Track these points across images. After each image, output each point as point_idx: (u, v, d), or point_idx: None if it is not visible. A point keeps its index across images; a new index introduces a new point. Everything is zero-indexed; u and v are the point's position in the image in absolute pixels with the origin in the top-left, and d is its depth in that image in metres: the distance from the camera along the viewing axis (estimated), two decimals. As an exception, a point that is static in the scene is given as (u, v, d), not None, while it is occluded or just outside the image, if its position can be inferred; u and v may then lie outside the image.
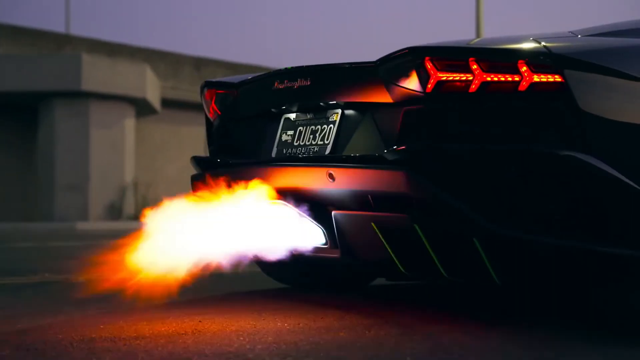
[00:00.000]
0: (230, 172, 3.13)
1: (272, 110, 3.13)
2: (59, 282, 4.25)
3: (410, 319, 2.98)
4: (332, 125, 2.87)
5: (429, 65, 2.51)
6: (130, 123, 18.76)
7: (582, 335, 2.58)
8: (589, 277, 2.45)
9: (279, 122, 3.11)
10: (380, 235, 2.60)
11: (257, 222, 2.96)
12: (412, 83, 2.56)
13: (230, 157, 3.29)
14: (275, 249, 2.97)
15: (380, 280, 4.12)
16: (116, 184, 18.05)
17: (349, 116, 2.84)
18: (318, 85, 2.93)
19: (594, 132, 2.36)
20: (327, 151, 2.83)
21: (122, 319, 2.95)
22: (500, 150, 2.41)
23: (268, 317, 2.99)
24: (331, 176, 2.67)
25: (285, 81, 3.04)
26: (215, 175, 3.13)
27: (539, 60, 2.39)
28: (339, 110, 2.87)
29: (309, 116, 3.00)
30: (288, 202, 2.83)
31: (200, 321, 2.89)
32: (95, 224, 16.38)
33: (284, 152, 3.03)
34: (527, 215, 2.38)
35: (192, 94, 21.72)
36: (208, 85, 3.49)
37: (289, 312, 3.14)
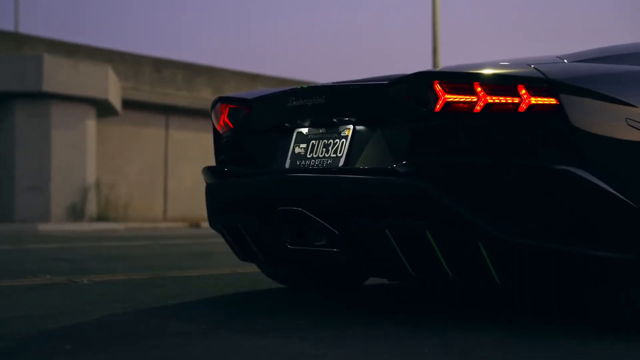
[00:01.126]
0: (247, 181, 3.40)
1: (286, 125, 3.38)
2: (66, 284, 4.43)
3: (414, 315, 3.28)
4: (344, 140, 3.14)
5: (437, 88, 2.80)
6: (91, 124, 18.77)
7: (577, 329, 2.90)
8: (581, 278, 2.76)
9: (292, 136, 3.36)
10: (392, 241, 2.87)
11: (277, 227, 3.23)
12: (422, 103, 2.85)
13: (242, 167, 3.53)
14: (292, 252, 3.24)
15: (371, 281, 4.43)
16: (78, 185, 18.05)
17: (360, 131, 3.11)
18: (331, 102, 3.20)
19: (585, 149, 2.66)
20: (341, 163, 3.10)
21: (149, 317, 3.17)
22: (503, 163, 2.70)
23: (282, 316, 3.25)
24: (348, 185, 2.95)
25: (300, 99, 3.30)
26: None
27: (537, 84, 2.69)
28: (351, 126, 3.14)
29: (321, 131, 3.26)
30: (304, 209, 3.08)
31: (222, 320, 3.13)
32: (58, 225, 16.37)
33: (298, 163, 3.29)
34: (527, 222, 2.68)
35: (153, 95, 21.79)
36: (222, 100, 3.73)
37: (300, 310, 3.40)
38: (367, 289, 4.26)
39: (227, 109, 3.69)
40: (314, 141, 3.28)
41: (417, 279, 3.06)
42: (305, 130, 3.34)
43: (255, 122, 3.55)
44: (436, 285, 4.24)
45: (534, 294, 3.76)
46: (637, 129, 2.75)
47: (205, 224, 19.16)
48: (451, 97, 2.78)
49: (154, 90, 21.93)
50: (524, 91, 2.69)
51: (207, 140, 21.92)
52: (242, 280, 4.72)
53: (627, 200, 2.65)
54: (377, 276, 3.60)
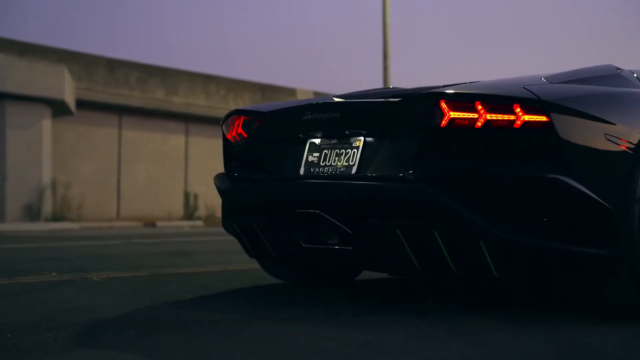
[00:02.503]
0: (264, 186, 3.77)
1: (299, 135, 3.75)
2: (79, 281, 4.73)
3: (418, 306, 3.70)
4: (355, 150, 3.53)
5: (443, 106, 3.21)
6: (47, 124, 18.80)
7: (565, 315, 3.36)
8: (567, 271, 3.21)
9: (305, 146, 3.74)
10: (403, 240, 3.28)
11: (293, 227, 3.60)
12: (429, 119, 3.25)
13: (257, 173, 3.90)
14: (306, 250, 3.62)
15: (361, 276, 4.83)
16: (34, 184, 18.07)
17: (370, 143, 3.50)
18: (343, 116, 3.58)
19: (571, 159, 3.10)
20: (354, 171, 3.49)
21: (180, 308, 3.52)
22: (501, 172, 3.13)
23: (300, 307, 3.63)
24: (363, 190, 3.35)
25: (313, 113, 3.68)
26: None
27: (530, 104, 3.12)
28: (362, 138, 3.53)
29: (333, 141, 3.65)
30: (321, 211, 3.46)
31: (248, 311, 3.49)
32: (14, 225, 16.40)
33: (312, 170, 3.66)
34: (522, 223, 3.11)
35: (106, 95, 21.84)
36: (237, 112, 4.08)
37: (314, 302, 3.78)
38: (365, 284, 4.66)
39: (242, 120, 4.04)
40: (326, 150, 3.66)
41: (423, 274, 3.47)
42: (317, 141, 3.71)
43: (269, 132, 3.91)
44: (427, 280, 4.67)
45: (528, 285, 4.20)
46: (614, 142, 3.21)
47: (162, 224, 19.40)
48: (455, 114, 3.19)
49: (107, 90, 21.99)
50: (519, 109, 3.12)
51: (160, 140, 21.98)
52: (241, 277, 5.06)
53: (605, 203, 3.10)
54: (384, 272, 4.00)
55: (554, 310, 3.53)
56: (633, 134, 3.26)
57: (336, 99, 4.15)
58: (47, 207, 18.49)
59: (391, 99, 3.48)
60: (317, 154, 3.69)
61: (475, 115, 3.16)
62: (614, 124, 3.23)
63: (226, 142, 4.24)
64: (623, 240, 3.14)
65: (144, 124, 22.71)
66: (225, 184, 4.06)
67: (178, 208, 22.72)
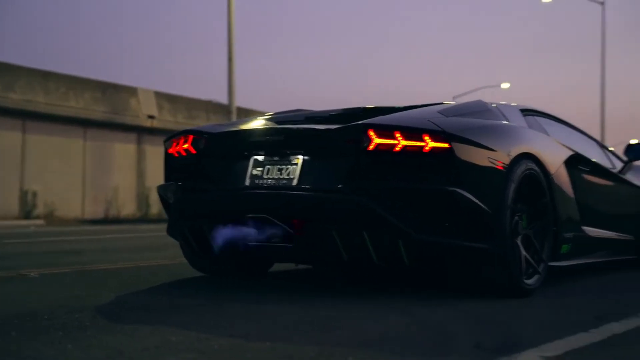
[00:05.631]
0: (215, 195, 4.55)
1: (244, 153, 4.55)
2: (21, 278, 5.18)
3: (353, 289, 4.61)
4: (295, 166, 4.39)
5: (371, 134, 4.15)
6: None
7: (456, 292, 4.40)
8: (459, 260, 4.26)
9: (249, 161, 4.54)
10: (337, 238, 4.18)
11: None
12: (359, 144, 4.17)
13: (202, 184, 4.67)
14: (252, 248, 4.44)
15: (275, 267, 5.69)
16: None
17: (308, 160, 4.36)
18: (285, 139, 4.43)
19: (465, 176, 4.13)
20: (294, 183, 4.34)
21: (159, 296, 4.23)
22: (414, 186, 4.11)
23: (262, 292, 4.43)
24: (305, 199, 4.22)
25: (257, 134, 4.51)
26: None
27: (436, 134, 4.12)
28: (301, 156, 4.39)
29: (275, 159, 4.48)
30: (269, 216, 4.29)
31: (219, 296, 4.27)
32: None
33: (256, 182, 4.48)
34: (429, 225, 4.11)
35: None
36: (186, 132, 4.82)
37: (263, 292, 4.59)
38: (278, 275, 5.52)
39: (190, 138, 4.78)
40: (269, 166, 4.49)
41: (348, 264, 4.40)
42: (260, 158, 4.52)
43: (216, 150, 4.68)
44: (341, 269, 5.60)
45: (433, 272, 5.23)
46: (493, 164, 4.30)
47: (0, 223, 19.10)
48: (380, 141, 4.14)
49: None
50: (427, 138, 4.11)
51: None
52: (167, 270, 5.71)
53: (487, 209, 4.17)
54: (313, 263, 4.88)
55: (451, 289, 4.57)
56: (505, 157, 4.37)
57: (267, 122, 5.01)
58: None
59: (326, 127, 4.39)
60: (260, 169, 4.51)
61: (395, 142, 4.12)
62: (495, 150, 4.32)
63: (168, 157, 4.97)
64: (498, 237, 4.22)
65: (-22, 120, 22.10)
66: (173, 193, 4.80)
67: (13, 207, 22.31)
